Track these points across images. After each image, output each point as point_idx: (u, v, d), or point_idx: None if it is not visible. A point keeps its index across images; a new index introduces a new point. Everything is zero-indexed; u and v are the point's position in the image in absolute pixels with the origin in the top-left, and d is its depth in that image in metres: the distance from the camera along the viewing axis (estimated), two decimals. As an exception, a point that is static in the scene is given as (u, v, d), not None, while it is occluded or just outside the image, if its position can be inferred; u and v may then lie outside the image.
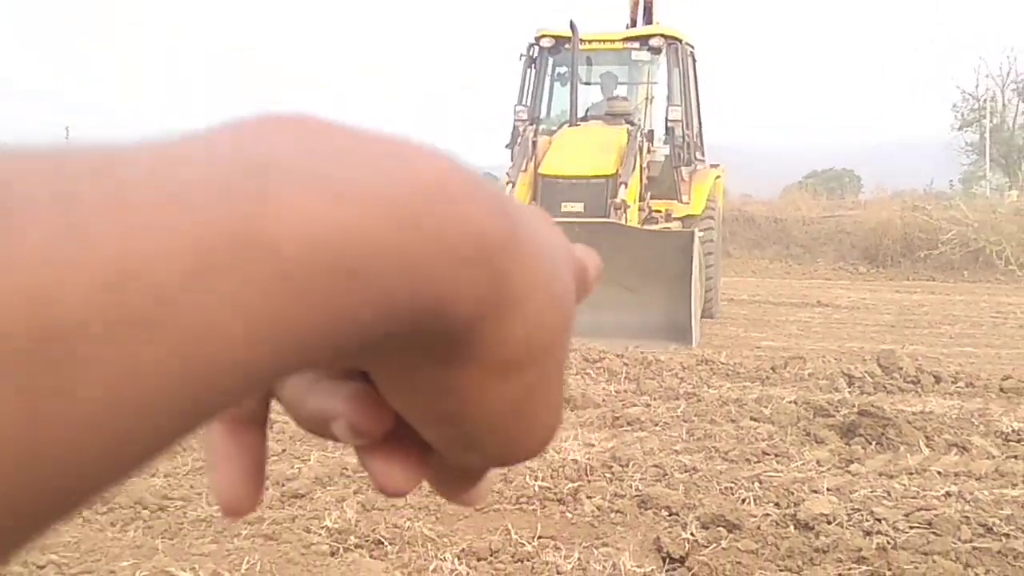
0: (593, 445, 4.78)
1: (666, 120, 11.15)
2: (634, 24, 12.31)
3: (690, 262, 8.40)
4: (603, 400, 5.80)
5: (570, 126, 11.00)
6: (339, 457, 4.49)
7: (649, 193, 10.61)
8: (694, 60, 12.01)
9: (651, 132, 11.12)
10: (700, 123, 12.41)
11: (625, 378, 6.59)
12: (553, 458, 4.44)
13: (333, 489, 4.01)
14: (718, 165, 12.76)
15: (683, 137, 11.13)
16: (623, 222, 9.01)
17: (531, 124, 10.75)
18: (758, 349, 9.20)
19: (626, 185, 9.40)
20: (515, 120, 11.01)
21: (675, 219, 10.95)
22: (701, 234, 10.64)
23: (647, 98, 11.71)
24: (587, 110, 11.58)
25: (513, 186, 9.74)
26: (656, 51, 11.25)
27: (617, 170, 9.65)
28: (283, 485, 4.05)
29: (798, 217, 20.80)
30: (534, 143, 10.21)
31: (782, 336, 10.44)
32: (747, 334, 10.54)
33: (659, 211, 10.85)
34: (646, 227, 9.92)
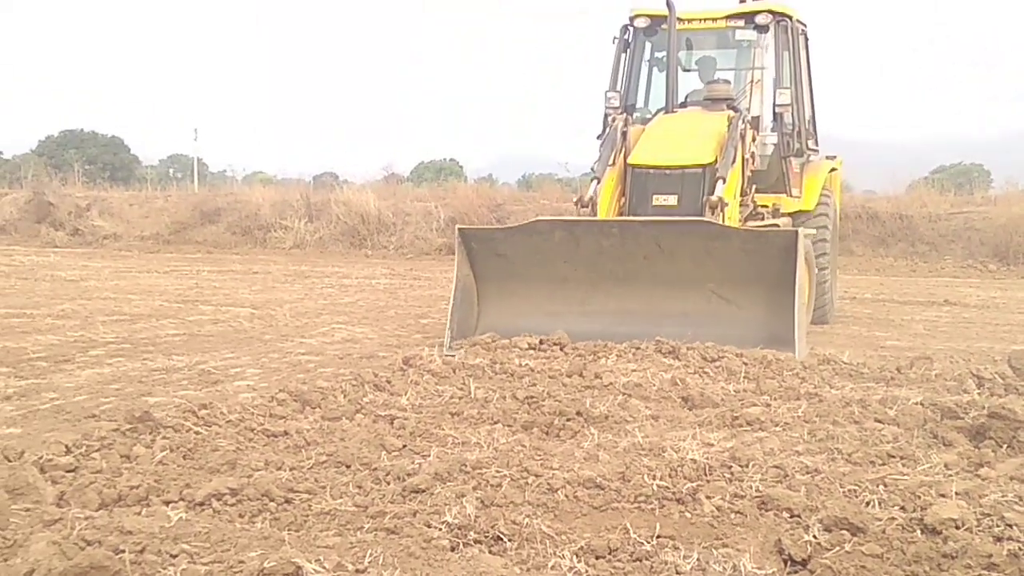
0: (712, 445, 4.74)
1: (774, 105, 10.07)
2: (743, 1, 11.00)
3: (794, 265, 7.39)
4: (722, 399, 5.74)
5: (666, 113, 10.04)
6: (458, 453, 4.54)
7: (754, 186, 9.62)
8: (807, 40, 10.94)
9: (756, 119, 9.98)
10: (813, 110, 11.37)
11: (744, 377, 6.50)
12: (672, 457, 4.42)
13: (452, 485, 4.05)
14: (835, 157, 11.83)
15: (793, 124, 10.22)
16: (718, 221, 8.06)
17: (623, 112, 9.96)
18: (882, 349, 8.98)
19: (724, 180, 8.44)
20: (606, 108, 10.15)
21: (783, 215, 10.09)
22: (813, 232, 9.93)
23: (752, 81, 10.39)
24: (686, 97, 10.54)
25: (599, 181, 9.02)
26: (763, 29, 10.23)
27: (715, 159, 8.70)
28: (403, 480, 4.11)
29: (924, 214, 20.24)
30: (624, 133, 9.39)
31: (907, 336, 10.17)
32: (870, 333, 10.30)
33: (765, 206, 9.94)
34: (745, 226, 8.92)
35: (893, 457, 4.59)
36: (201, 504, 3.78)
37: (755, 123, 9.74)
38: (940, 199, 21.56)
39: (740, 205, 9.11)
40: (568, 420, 5.23)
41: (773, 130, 10.05)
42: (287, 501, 3.81)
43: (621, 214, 8.85)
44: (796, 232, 7.54)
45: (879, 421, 5.27)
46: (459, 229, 8.44)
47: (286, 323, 10.41)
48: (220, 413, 5.09)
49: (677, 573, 3.11)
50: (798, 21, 10.50)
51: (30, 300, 11.98)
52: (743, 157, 9.06)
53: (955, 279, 17.87)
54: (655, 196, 8.69)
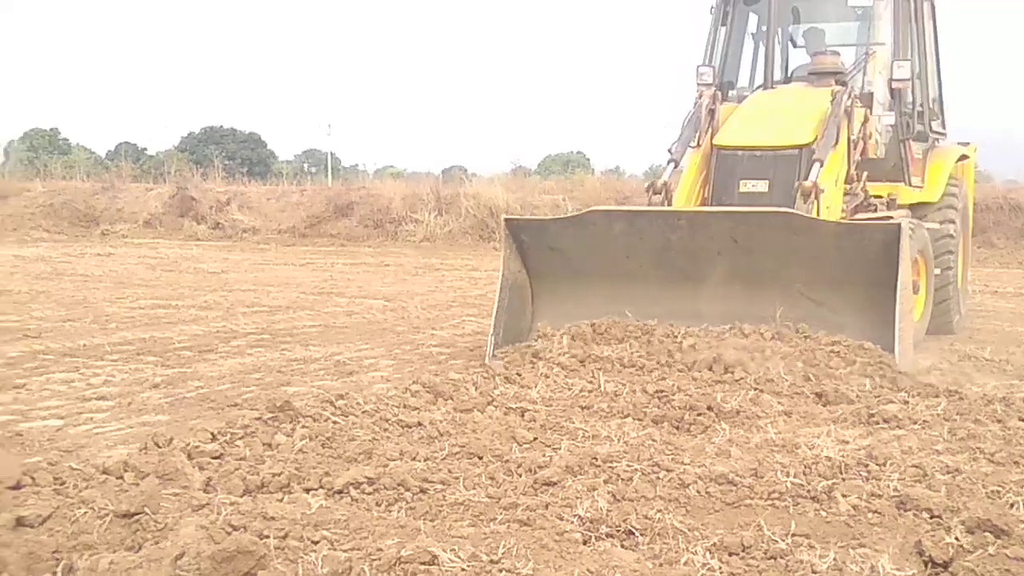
0: (847, 442, 4.66)
1: (890, 81, 8.80)
2: None
3: (896, 262, 6.38)
4: (857, 396, 5.62)
5: (764, 90, 9.12)
6: (589, 447, 4.57)
7: (866, 173, 8.43)
8: (933, 7, 9.85)
9: (870, 95, 8.69)
10: (940, 88, 10.15)
11: (879, 375, 6.35)
12: (806, 455, 4.36)
13: (584, 478, 4.07)
14: (968, 144, 10.68)
15: (914, 104, 9.10)
16: (812, 211, 7.09)
17: (717, 89, 8.84)
18: (1026, 344, 8.67)
19: (822, 163, 7.41)
20: (697, 84, 8.89)
21: (900, 207, 8.94)
22: (936, 227, 8.91)
23: (868, 52, 9.10)
24: (792, 72, 9.57)
25: (675, 165, 8.16)
26: None
27: (816, 139, 7.68)
28: (535, 473, 4.16)
29: (1071, 203, 19.40)
30: (712, 111, 8.37)
31: (1053, 332, 9.79)
32: (1013, 329, 9.95)
33: (879, 196, 8.77)
34: (846, 219, 7.73)
35: (1039, 458, 4.43)
36: (340, 492, 3.88)
37: (868, 100, 8.60)
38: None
39: (846, 194, 8.10)
40: (699, 415, 5.20)
41: (890, 109, 8.87)
42: (422, 491, 3.89)
43: (705, 203, 7.99)
44: (899, 225, 6.55)
45: (1023, 420, 5.10)
46: (506, 220, 7.60)
47: (417, 315, 10.59)
48: (356, 404, 5.22)
49: (813, 572, 3.08)
50: None
51: (175, 292, 12.46)
52: (849, 138, 8.03)
53: (1105, 272, 17.11)
54: (743, 182, 7.81)
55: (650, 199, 7.94)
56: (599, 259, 7.23)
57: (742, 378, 5.91)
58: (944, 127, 10.24)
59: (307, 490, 3.91)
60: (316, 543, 3.23)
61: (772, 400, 5.45)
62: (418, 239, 21.76)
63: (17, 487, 3.73)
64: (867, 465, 4.19)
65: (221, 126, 67.10)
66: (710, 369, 6.13)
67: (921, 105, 9.35)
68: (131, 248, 20.70)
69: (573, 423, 5.07)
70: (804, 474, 4.10)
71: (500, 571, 3.03)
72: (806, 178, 7.29)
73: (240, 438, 4.56)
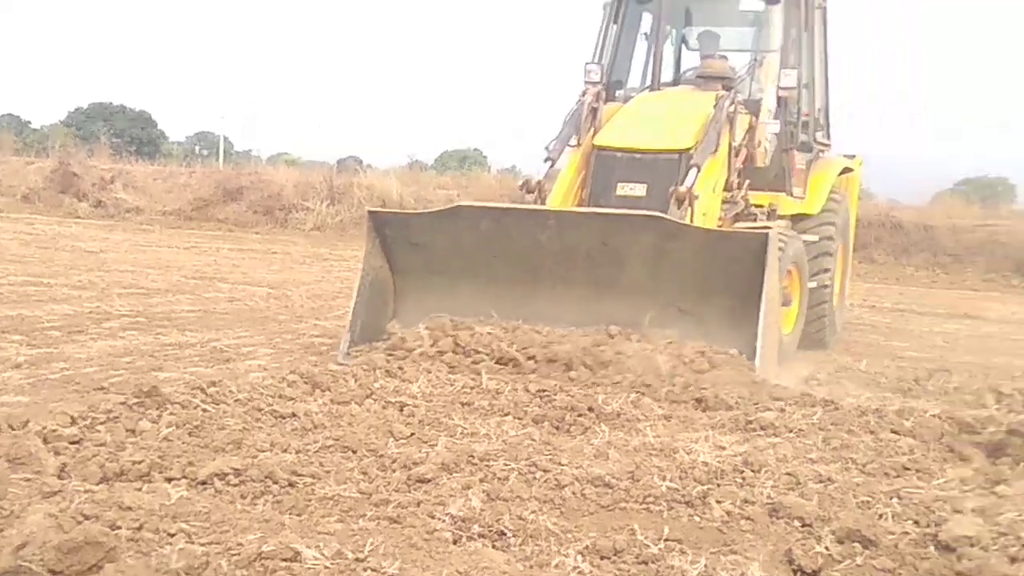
0: (724, 448, 4.66)
1: (777, 88, 8.55)
2: None
3: (763, 271, 6.22)
4: (735, 403, 5.65)
5: (651, 91, 8.85)
6: (467, 444, 4.48)
7: (748, 181, 8.19)
8: (824, 16, 9.62)
9: (757, 102, 8.56)
10: (827, 99, 10.04)
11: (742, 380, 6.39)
12: (683, 459, 4.35)
13: (459, 476, 3.99)
14: (854, 156, 10.61)
15: (799, 113, 8.84)
16: (686, 218, 6.86)
17: (604, 88, 8.54)
18: (900, 359, 8.88)
19: (699, 168, 7.18)
20: (584, 81, 8.44)
21: (781, 217, 8.73)
22: (813, 239, 8.79)
23: (756, 59, 8.99)
24: (683, 73, 9.36)
25: (552, 163, 7.82)
26: (773, 0, 8.84)
27: (696, 144, 7.47)
28: (410, 469, 4.05)
29: (948, 225, 20.07)
30: (594, 109, 8.11)
31: (926, 347, 10.07)
32: (888, 343, 10.20)
33: (760, 206, 8.52)
34: (721, 227, 7.59)
35: (908, 470, 4.50)
36: (203, 483, 3.73)
37: (755, 107, 8.46)
38: (965, 210, 21.39)
39: (725, 201, 7.92)
40: (580, 416, 5.16)
41: (776, 117, 8.59)
42: (290, 484, 3.76)
43: (582, 204, 7.70)
44: (766, 235, 6.35)
45: (895, 432, 5.18)
46: (369, 212, 7.25)
47: (301, 304, 10.38)
48: (229, 391, 5.04)
49: (683, 578, 3.04)
50: None
51: (48, 269, 11.99)
52: (730, 145, 7.85)
53: (976, 292, 17.73)
54: (620, 184, 7.56)
55: (523, 199, 7.66)
56: (465, 257, 6.95)
57: (620, 381, 5.87)
58: (829, 139, 10.15)
59: (168, 480, 3.74)
60: (172, 536, 3.08)
61: (652, 404, 5.43)
62: (308, 228, 21.43)
63: None
64: (742, 472, 4.19)
65: (111, 102, 65.18)
66: (567, 367, 6.05)
67: (807, 115, 9.17)
68: (6, 223, 19.90)
69: (452, 420, 4.98)
70: (680, 478, 4.08)
71: (365, 570, 2.92)
72: (683, 183, 7.12)
73: (102, 423, 4.35)
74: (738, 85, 8.51)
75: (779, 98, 8.54)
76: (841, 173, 9.91)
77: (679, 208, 6.93)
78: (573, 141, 7.99)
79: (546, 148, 7.95)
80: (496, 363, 6.18)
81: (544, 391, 5.56)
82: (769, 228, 7.00)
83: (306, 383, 5.44)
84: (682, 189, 6.98)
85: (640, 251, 6.60)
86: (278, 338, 7.98)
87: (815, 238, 8.84)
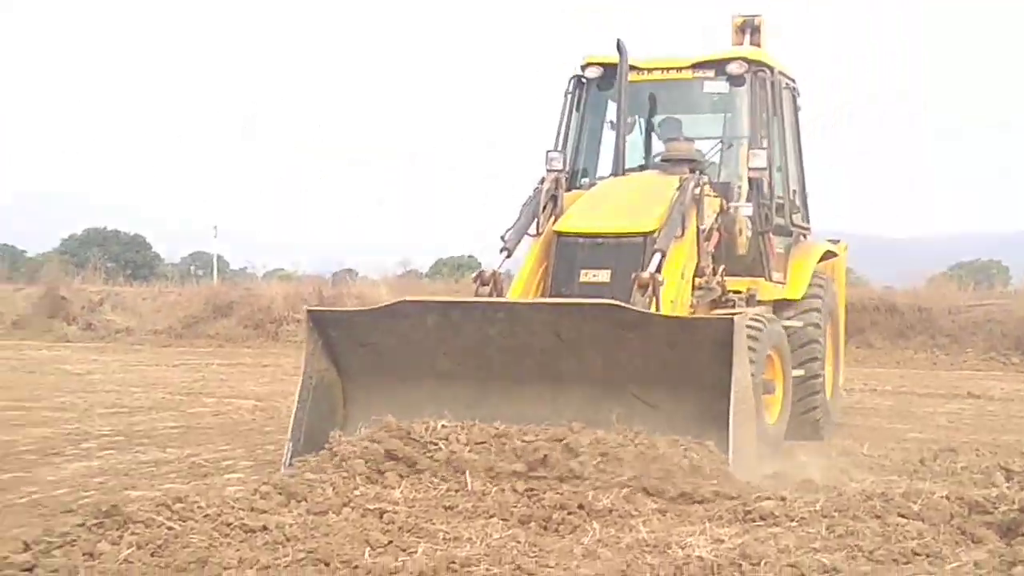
0: (722, 541, 4.40)
1: (748, 169, 8.25)
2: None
3: (729, 360, 5.73)
4: (736, 492, 5.37)
5: (614, 175, 8.44)
6: (448, 550, 4.21)
7: (723, 267, 7.79)
8: (795, 98, 9.44)
9: (727, 185, 8.22)
10: (803, 181, 9.68)
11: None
12: (677, 555, 4.09)
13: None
14: (838, 241, 10.28)
15: (772, 195, 8.48)
16: (649, 305, 6.50)
17: (567, 176, 8.32)
18: (904, 441, 8.62)
19: (663, 253, 6.84)
20: (547, 169, 8.13)
21: (761, 303, 8.21)
22: (797, 326, 8.42)
23: (724, 143, 8.67)
24: (648, 160, 9.04)
25: (508, 254, 7.52)
26: (737, 81, 8.45)
27: (660, 227, 7.11)
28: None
29: (944, 306, 19.88)
30: (554, 197, 7.81)
31: (930, 428, 9.80)
32: (892, 426, 9.94)
33: (738, 292, 8.01)
34: (690, 314, 7.22)
35: (918, 555, 4.25)
36: (160, 607, 3.47)
37: (725, 190, 8.12)
38: (960, 292, 21.24)
39: (698, 288, 7.48)
40: (569, 514, 4.89)
41: (748, 200, 8.25)
42: None
43: (544, 295, 7.31)
44: (731, 320, 5.89)
45: (903, 516, 4.91)
46: (308, 311, 6.79)
47: (288, 415, 10.09)
48: (196, 507, 4.77)
49: None
50: (781, 74, 8.91)
51: (31, 393, 11.75)
52: (698, 228, 7.47)
53: (977, 372, 17.46)
54: (583, 271, 7.17)
55: (477, 291, 7.24)
56: (415, 356, 6.49)
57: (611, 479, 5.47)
58: (807, 221, 9.74)
59: (122, 608, 3.48)
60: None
61: (646, 499, 5.15)
62: (300, 339, 21.14)
63: None
64: (740, 565, 3.93)
65: (105, 227, 65.62)
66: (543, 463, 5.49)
67: (781, 197, 8.87)
68: (-5, 350, 19.71)
69: (434, 524, 4.72)
70: (674, 575, 3.82)
71: None
72: (643, 270, 6.72)
73: (58, 547, 4.10)
74: (706, 168, 8.24)
75: (750, 180, 8.25)
76: (824, 258, 9.57)
77: (643, 295, 6.56)
78: (532, 230, 7.67)
79: (502, 238, 7.59)
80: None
81: (532, 490, 5.27)
82: (736, 313, 6.63)
83: (280, 494, 5.17)
84: (645, 275, 6.60)
85: (598, 342, 6.15)
86: (260, 450, 7.71)
87: (800, 324, 8.48)
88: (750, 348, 6.43)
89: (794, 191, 9.36)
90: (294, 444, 6.39)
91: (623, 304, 6.14)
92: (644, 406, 6.03)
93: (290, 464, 6.17)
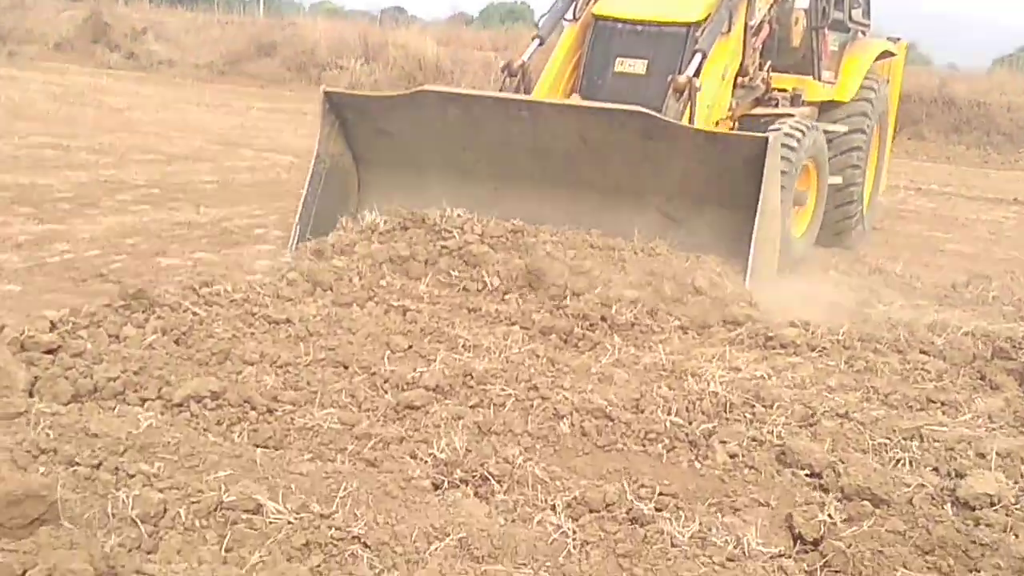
0: (739, 370, 4.41)
1: None
2: None
3: (759, 181, 5.46)
4: (756, 315, 5.30)
5: None
6: (466, 361, 4.25)
7: (769, 62, 7.27)
8: None
9: None
10: None
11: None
12: (691, 387, 4.09)
13: (451, 403, 3.78)
14: (898, 39, 9.48)
15: None
16: (683, 111, 6.07)
17: None
18: (940, 254, 8.52)
19: (704, 54, 6.30)
20: None
21: (806, 104, 7.74)
22: (843, 129, 7.96)
23: None
24: None
25: (541, 42, 6.96)
26: None
27: (708, 17, 6.56)
28: (401, 391, 3.85)
29: (1003, 102, 19.23)
30: None
31: (970, 239, 9.65)
32: (931, 233, 9.79)
33: (783, 90, 7.56)
34: (730, 119, 6.87)
35: (933, 403, 4.24)
36: (179, 405, 3.54)
37: None
38: (1021, 87, 20.46)
39: (741, 86, 7.03)
40: (591, 326, 4.90)
41: None
42: (269, 411, 3.57)
43: (576, 86, 6.86)
44: (765, 139, 5.54)
45: (924, 352, 4.90)
46: (325, 93, 6.40)
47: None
48: (223, 292, 4.81)
49: (673, 545, 2.82)
50: None
51: (70, 129, 11.75)
52: (746, 24, 6.87)
53: (1029, 175, 17.09)
54: (619, 60, 6.66)
55: (504, 82, 6.78)
56: (433, 148, 6.23)
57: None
58: (868, 18, 9.02)
59: (143, 400, 3.56)
60: (132, 477, 2.90)
61: (668, 316, 5.12)
62: (342, 86, 20.87)
63: None
64: (753, 406, 3.94)
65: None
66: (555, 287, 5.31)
67: None
68: (37, 72, 19.61)
69: (455, 329, 4.74)
70: (687, 410, 3.85)
71: (329, 527, 2.72)
72: (679, 73, 6.19)
73: (84, 328, 4.15)
74: None
75: None
76: (880, 57, 8.83)
77: (677, 100, 6.11)
78: (569, 15, 7.05)
79: (535, 24, 7.12)
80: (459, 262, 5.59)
81: (555, 297, 5.24)
82: (769, 132, 6.00)
83: (307, 281, 5.19)
84: (681, 79, 6.10)
85: (623, 150, 5.87)
86: (291, 217, 7.68)
87: (844, 129, 8.00)
88: (785, 159, 6.16)
89: None
90: (301, 228, 6.22)
91: (652, 113, 5.73)
92: (666, 219, 5.88)
93: (295, 248, 6.03)
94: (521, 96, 6.46)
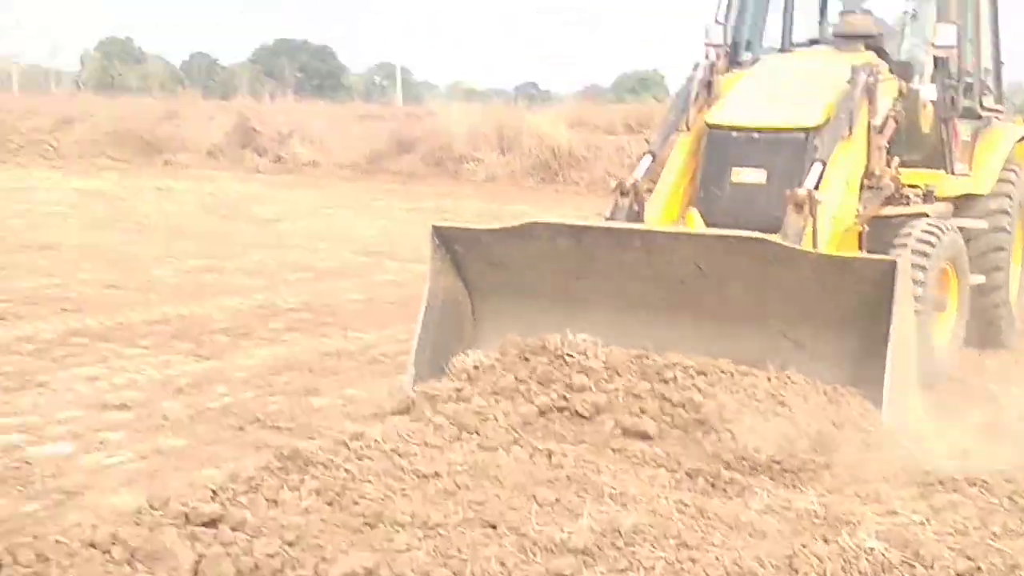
0: (896, 514, 4.28)
1: (932, 46, 7.23)
2: None
3: (889, 304, 5.17)
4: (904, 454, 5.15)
5: (780, 51, 7.63)
6: (613, 515, 4.24)
7: (896, 158, 6.96)
8: None
9: (907, 64, 7.36)
10: (998, 54, 8.48)
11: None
12: (846, 543, 3.98)
13: (600, 568, 3.78)
14: None
15: (960, 75, 7.52)
16: (804, 227, 5.88)
17: (726, 53, 7.44)
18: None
19: (824, 163, 6.05)
20: (704, 44, 7.32)
21: (940, 200, 7.38)
22: (983, 225, 7.47)
23: (909, 12, 7.72)
24: (824, 30, 8.17)
25: (652, 157, 6.71)
26: None
27: (827, 120, 6.37)
28: (551, 553, 3.87)
29: None
30: (709, 84, 6.93)
31: None
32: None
33: (914, 186, 7.18)
34: (856, 223, 6.62)
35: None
36: (334, 584, 3.63)
37: (904, 71, 7.20)
38: None
39: (865, 188, 6.69)
40: (737, 466, 4.84)
41: (932, 81, 7.24)
42: (421, 589, 3.63)
43: (692, 197, 6.70)
44: (893, 263, 5.26)
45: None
46: (434, 227, 6.28)
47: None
48: (373, 442, 4.93)
49: None
50: None
51: (225, 249, 12.33)
52: (869, 124, 6.58)
53: None
54: (736, 170, 6.47)
55: (616, 202, 6.54)
56: (546, 278, 6.13)
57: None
58: (1001, 102, 8.57)
59: (300, 582, 3.67)
60: None
61: (814, 453, 5.01)
62: (480, 178, 21.37)
63: (-3, 568, 3.57)
64: (913, 567, 3.81)
65: (293, 38, 67.37)
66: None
67: (970, 76, 7.78)
68: (191, 182, 20.69)
69: (600, 475, 4.74)
70: (843, 571, 3.75)
71: None
72: (795, 188, 5.93)
73: (243, 493, 4.32)
74: (887, 44, 7.39)
75: (935, 58, 7.23)
76: (1018, 142, 8.26)
77: (799, 214, 5.87)
78: (681, 126, 6.85)
79: (646, 140, 7.06)
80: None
81: (696, 431, 5.16)
82: (895, 255, 5.76)
83: (452, 425, 5.28)
84: (801, 192, 5.84)
85: (742, 276, 5.66)
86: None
87: (984, 225, 7.50)
88: (918, 266, 6.00)
89: (986, 69, 8.25)
90: (418, 368, 6.10)
91: (770, 239, 5.54)
92: (789, 343, 5.67)
93: (414, 390, 5.85)
94: (632, 225, 6.30)
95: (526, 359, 5.74)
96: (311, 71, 61.12)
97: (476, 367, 5.79)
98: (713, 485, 4.72)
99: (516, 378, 5.61)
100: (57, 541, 3.79)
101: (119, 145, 25.33)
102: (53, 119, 27.18)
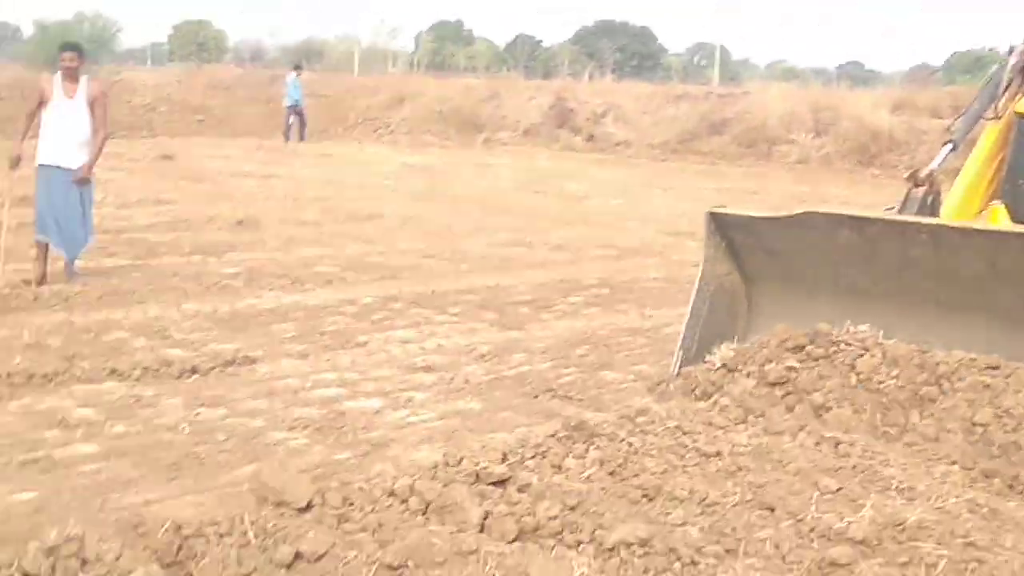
0: None
1: None
2: None
3: None
4: None
5: None
6: (897, 508, 4.13)
7: None
8: None
9: None
10: None
11: None
12: None
13: (877, 560, 3.71)
14: None
15: None
16: None
17: None
18: None
19: None
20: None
21: None
22: None
23: None
24: None
25: (954, 147, 6.24)
26: None
27: None
28: (828, 541, 3.84)
29: None
30: (1023, 71, 6.39)
31: None
32: None
33: None
34: None
35: None
36: (610, 550, 3.77)
37: None
38: None
39: None
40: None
41: None
42: (692, 563, 3.69)
43: (995, 192, 6.25)
44: None
45: None
46: (710, 213, 6.12)
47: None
48: (657, 418, 5.04)
49: None
50: None
51: (533, 223, 12.80)
52: None
53: None
54: None
55: (909, 192, 6.19)
56: (827, 269, 5.93)
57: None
58: None
59: (577, 543, 3.83)
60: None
61: None
62: (792, 160, 20.89)
63: (308, 507, 3.97)
64: None
65: (614, 20, 68.22)
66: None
67: None
68: (508, 158, 21.49)
69: (889, 467, 4.61)
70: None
71: None
72: None
73: (531, 458, 4.55)
74: None
75: None
76: None
77: None
78: (989, 114, 6.34)
79: (948, 129, 6.50)
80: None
81: (986, 428, 4.91)
82: None
83: (739, 408, 5.30)
84: None
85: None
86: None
87: None
88: None
89: None
90: (684, 353, 6.04)
91: None
92: None
93: (678, 375, 5.91)
94: (920, 219, 5.89)
95: (803, 348, 5.68)
96: (630, 52, 61.71)
97: (750, 353, 5.80)
98: (1011, 486, 4.49)
99: (791, 367, 5.57)
100: (361, 488, 4.16)
101: (443, 123, 26.68)
102: (387, 97, 29.05)
